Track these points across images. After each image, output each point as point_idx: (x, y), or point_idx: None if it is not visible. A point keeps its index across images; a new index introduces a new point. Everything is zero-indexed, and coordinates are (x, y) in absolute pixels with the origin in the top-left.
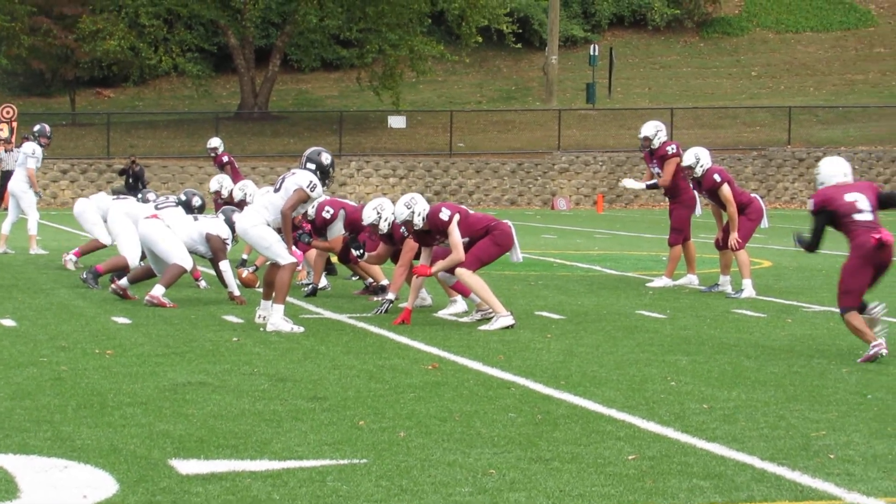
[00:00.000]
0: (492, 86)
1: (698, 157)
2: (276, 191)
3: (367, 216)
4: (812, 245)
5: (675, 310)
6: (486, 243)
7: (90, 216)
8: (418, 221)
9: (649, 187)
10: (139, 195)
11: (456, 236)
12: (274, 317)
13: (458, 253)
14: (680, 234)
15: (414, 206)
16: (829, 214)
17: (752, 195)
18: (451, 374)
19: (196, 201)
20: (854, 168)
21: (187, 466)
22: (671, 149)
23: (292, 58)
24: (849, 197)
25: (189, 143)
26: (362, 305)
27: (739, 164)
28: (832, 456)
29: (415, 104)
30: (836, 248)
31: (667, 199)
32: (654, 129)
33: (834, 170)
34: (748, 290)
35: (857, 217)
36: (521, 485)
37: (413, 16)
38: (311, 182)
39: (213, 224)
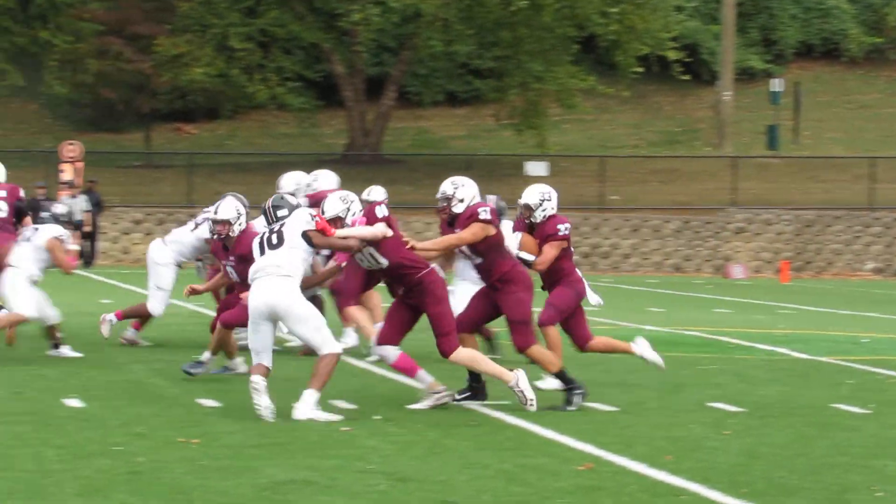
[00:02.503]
0: (651, 127)
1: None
2: (277, 246)
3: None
4: None
5: (880, 403)
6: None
7: None
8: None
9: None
10: None
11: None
12: (305, 404)
13: None
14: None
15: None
16: None
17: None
18: (608, 476)
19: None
20: None
21: None
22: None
23: (410, 90)
24: None
25: None
26: (501, 390)
27: None
28: None
29: (559, 147)
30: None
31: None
32: (538, 198)
33: None
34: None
35: None
36: None
37: (556, 41)
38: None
39: None
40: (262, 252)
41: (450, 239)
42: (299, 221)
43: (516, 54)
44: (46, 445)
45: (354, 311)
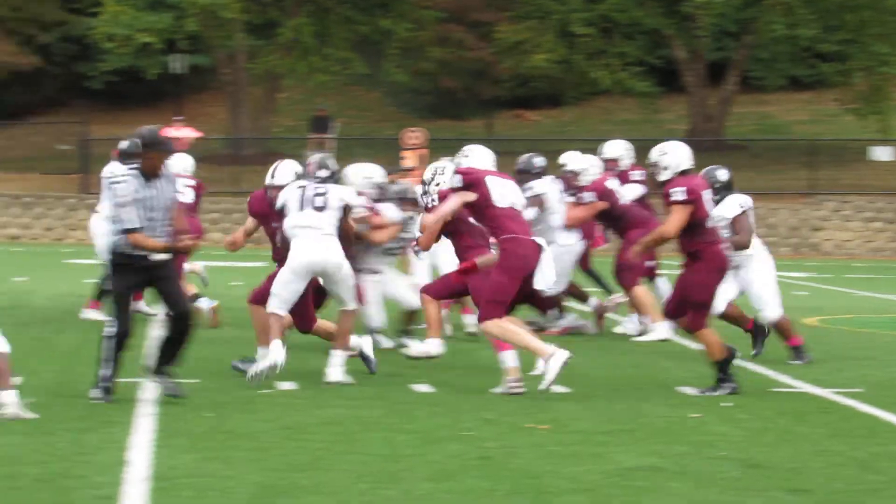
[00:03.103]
0: None
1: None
2: (321, 209)
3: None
4: None
5: None
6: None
7: None
8: None
9: None
10: None
11: None
12: (335, 368)
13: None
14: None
15: None
16: None
17: None
18: None
19: None
20: None
21: None
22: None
23: (753, 75)
24: None
25: None
26: (850, 377)
27: None
28: None
29: None
30: None
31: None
32: (430, 174)
33: None
34: None
35: None
36: None
37: None
38: None
39: None
40: (302, 207)
41: (657, 233)
42: (345, 195)
43: (861, 37)
44: (396, 430)
45: (640, 292)
